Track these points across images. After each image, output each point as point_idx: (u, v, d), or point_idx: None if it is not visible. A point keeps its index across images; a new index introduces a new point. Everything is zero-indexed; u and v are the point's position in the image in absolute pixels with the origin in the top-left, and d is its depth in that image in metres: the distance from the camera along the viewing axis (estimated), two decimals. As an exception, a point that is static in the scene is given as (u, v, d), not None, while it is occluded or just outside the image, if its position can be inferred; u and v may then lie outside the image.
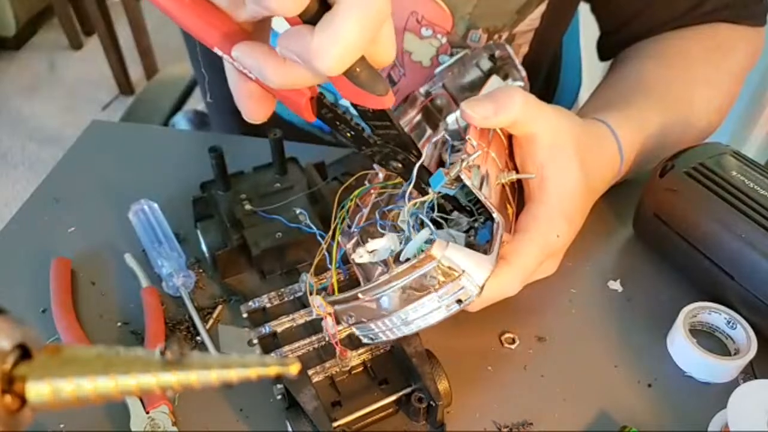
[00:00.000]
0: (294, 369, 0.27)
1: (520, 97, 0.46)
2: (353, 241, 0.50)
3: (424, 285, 0.40)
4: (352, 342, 0.48)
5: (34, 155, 2.13)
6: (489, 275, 0.40)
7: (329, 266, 0.48)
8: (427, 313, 0.41)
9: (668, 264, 0.57)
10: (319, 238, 0.49)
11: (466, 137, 0.47)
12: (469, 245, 0.46)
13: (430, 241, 0.45)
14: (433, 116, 0.59)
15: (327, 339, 0.48)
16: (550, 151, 0.47)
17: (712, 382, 0.50)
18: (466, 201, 0.48)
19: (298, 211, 0.54)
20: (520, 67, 0.54)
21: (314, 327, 0.49)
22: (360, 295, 0.41)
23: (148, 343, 0.50)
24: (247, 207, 0.56)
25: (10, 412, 0.26)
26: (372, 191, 0.52)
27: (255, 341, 0.48)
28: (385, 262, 0.47)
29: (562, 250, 0.50)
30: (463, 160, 0.44)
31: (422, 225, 0.45)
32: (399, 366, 0.47)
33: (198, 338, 0.51)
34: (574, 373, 0.50)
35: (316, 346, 0.48)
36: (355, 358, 0.47)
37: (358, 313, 0.43)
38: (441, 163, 0.54)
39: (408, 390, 0.46)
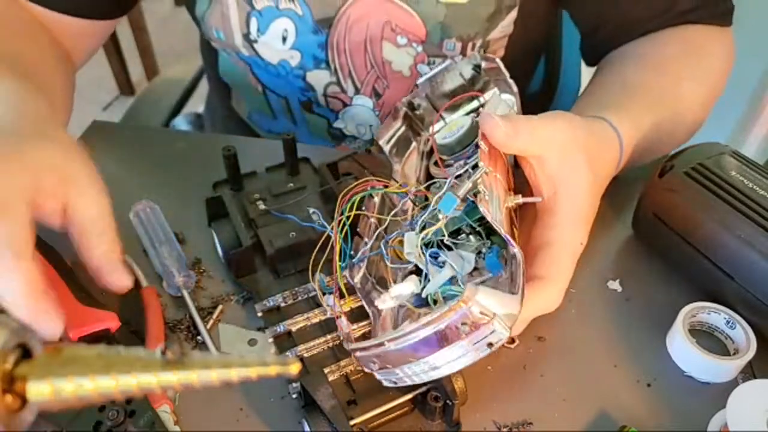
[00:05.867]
0: (294, 368, 0.27)
1: (525, 127, 0.46)
2: (360, 274, 0.49)
3: (454, 331, 0.39)
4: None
5: (35, 155, 2.13)
6: (518, 315, 0.39)
7: (343, 264, 0.48)
8: (456, 358, 0.40)
9: (667, 264, 0.58)
10: (338, 237, 0.49)
11: (468, 160, 0.46)
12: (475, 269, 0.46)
13: (452, 279, 0.45)
14: (415, 125, 0.59)
15: (341, 337, 0.48)
16: (561, 164, 0.47)
17: (711, 382, 0.50)
18: (475, 224, 0.47)
19: (311, 211, 0.55)
20: (511, 81, 0.53)
21: (328, 326, 0.50)
22: (386, 343, 0.40)
23: (148, 343, 0.50)
24: (261, 207, 0.56)
25: (11, 412, 0.26)
26: (371, 217, 0.51)
27: (270, 340, 0.49)
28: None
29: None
30: (470, 179, 0.44)
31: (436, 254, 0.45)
32: None
33: (198, 338, 0.52)
34: (573, 372, 0.50)
35: (330, 345, 0.49)
36: None
37: (383, 359, 0.42)
38: (429, 176, 0.53)
39: (423, 389, 0.45)
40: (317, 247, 0.50)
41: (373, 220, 0.51)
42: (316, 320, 0.50)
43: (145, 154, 0.69)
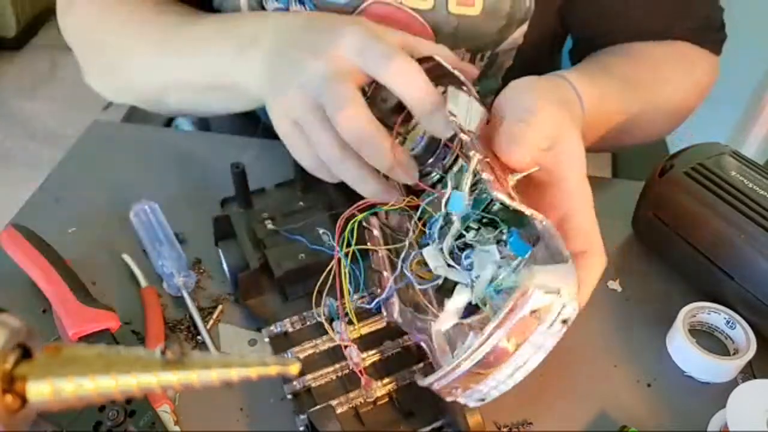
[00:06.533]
0: (294, 369, 0.27)
1: (530, 137, 0.45)
2: (398, 309, 0.47)
3: (526, 322, 0.37)
4: (377, 371, 0.47)
5: (35, 155, 2.13)
6: (577, 281, 0.38)
7: (361, 290, 0.47)
8: (537, 349, 0.38)
9: (667, 264, 0.58)
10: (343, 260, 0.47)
11: (444, 161, 0.45)
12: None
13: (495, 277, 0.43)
14: None
15: (351, 367, 0.47)
16: (551, 134, 0.46)
17: (711, 382, 0.50)
18: (486, 215, 0.46)
19: (321, 231, 0.53)
20: (458, 73, 0.50)
21: (337, 354, 0.48)
22: (462, 363, 0.38)
23: (148, 342, 0.50)
24: (270, 226, 0.54)
25: (11, 412, 0.26)
26: (380, 251, 0.49)
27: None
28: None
29: None
30: (467, 171, 0.43)
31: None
32: (426, 397, 0.44)
33: (198, 338, 0.52)
34: (574, 373, 0.50)
35: (339, 374, 0.47)
36: (380, 389, 0.46)
37: (465, 381, 0.39)
38: (409, 190, 0.51)
39: (437, 424, 0.44)
40: (324, 273, 0.48)
41: (382, 253, 0.49)
42: (324, 347, 0.48)
43: (146, 154, 0.69)
